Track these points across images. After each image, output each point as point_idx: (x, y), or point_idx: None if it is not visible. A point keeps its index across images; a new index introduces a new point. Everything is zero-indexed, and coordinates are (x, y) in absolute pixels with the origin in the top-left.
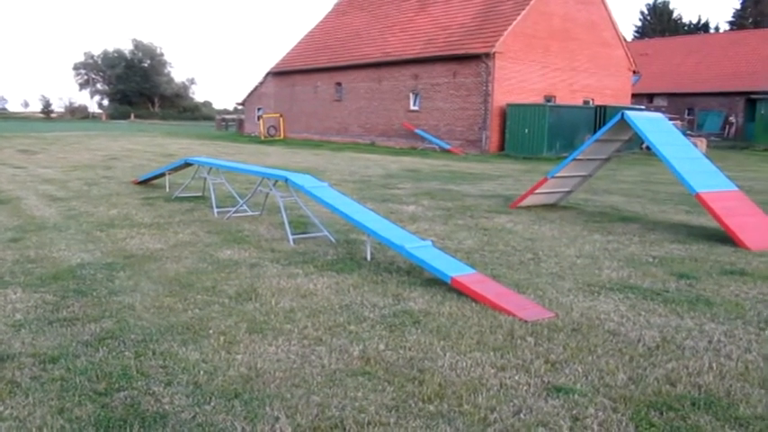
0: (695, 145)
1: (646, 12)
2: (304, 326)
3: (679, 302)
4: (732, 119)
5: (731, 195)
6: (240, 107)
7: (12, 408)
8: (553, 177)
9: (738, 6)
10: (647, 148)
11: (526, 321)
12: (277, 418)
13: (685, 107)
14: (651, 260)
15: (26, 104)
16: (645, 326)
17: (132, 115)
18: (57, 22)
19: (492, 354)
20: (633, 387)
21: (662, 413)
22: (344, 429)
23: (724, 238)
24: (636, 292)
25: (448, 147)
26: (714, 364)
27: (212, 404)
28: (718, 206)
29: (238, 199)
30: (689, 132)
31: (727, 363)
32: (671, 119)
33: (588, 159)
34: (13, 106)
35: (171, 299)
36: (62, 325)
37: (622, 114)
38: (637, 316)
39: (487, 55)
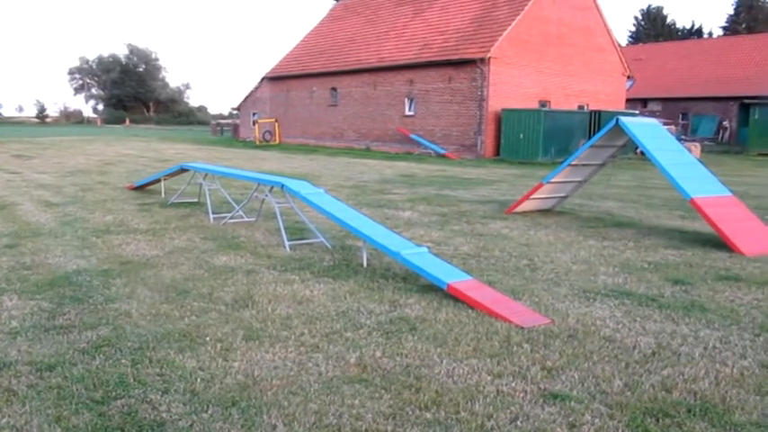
0: (689, 150)
1: (640, 17)
2: (301, 333)
3: (674, 308)
4: (726, 123)
5: (726, 201)
6: (235, 112)
7: (8, 416)
8: (548, 183)
9: (731, 12)
10: (642, 152)
11: (522, 328)
12: (274, 426)
13: (679, 112)
14: (646, 266)
15: (21, 109)
16: (640, 332)
17: (127, 120)
18: (52, 26)
19: (488, 360)
20: (629, 394)
21: (658, 420)
22: None
23: (719, 243)
24: (631, 298)
25: (443, 152)
26: (710, 371)
27: (209, 412)
28: (712, 211)
29: (234, 205)
30: (683, 137)
31: (723, 369)
32: (665, 123)
33: (583, 165)
34: (8, 111)
35: (167, 306)
36: (58, 332)
37: (617, 120)
38: (632, 322)
39: (482, 60)
